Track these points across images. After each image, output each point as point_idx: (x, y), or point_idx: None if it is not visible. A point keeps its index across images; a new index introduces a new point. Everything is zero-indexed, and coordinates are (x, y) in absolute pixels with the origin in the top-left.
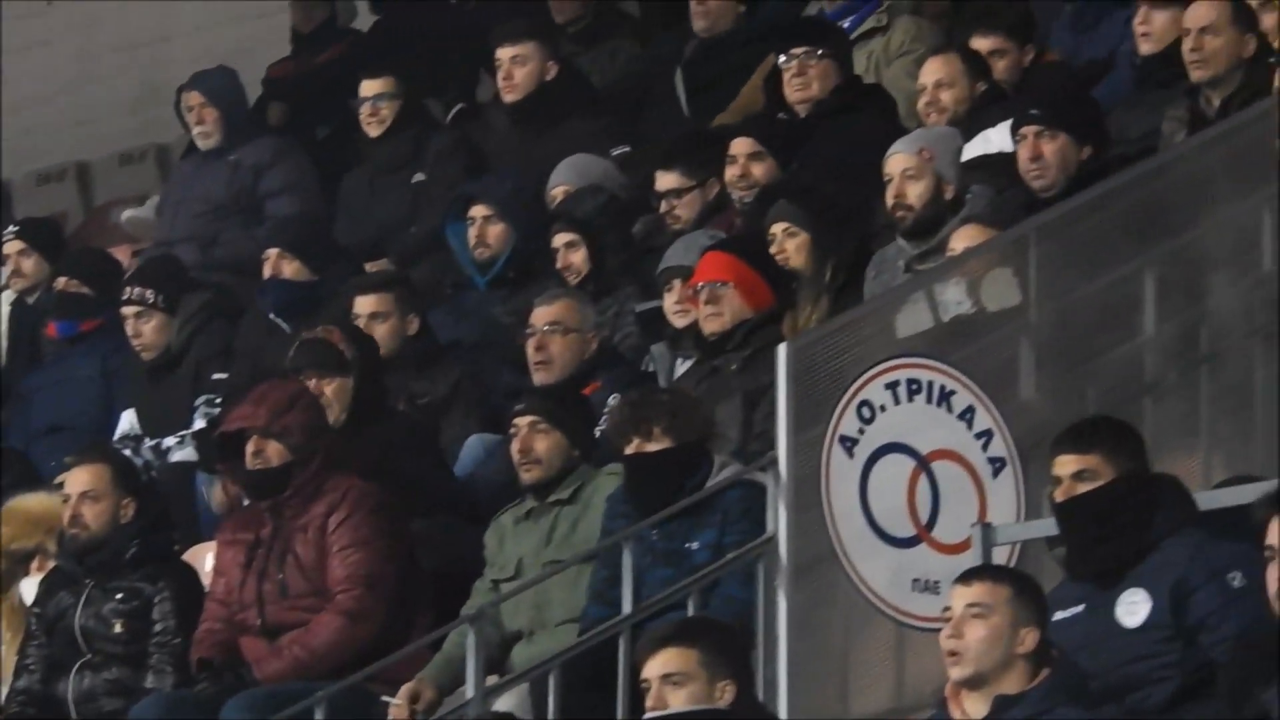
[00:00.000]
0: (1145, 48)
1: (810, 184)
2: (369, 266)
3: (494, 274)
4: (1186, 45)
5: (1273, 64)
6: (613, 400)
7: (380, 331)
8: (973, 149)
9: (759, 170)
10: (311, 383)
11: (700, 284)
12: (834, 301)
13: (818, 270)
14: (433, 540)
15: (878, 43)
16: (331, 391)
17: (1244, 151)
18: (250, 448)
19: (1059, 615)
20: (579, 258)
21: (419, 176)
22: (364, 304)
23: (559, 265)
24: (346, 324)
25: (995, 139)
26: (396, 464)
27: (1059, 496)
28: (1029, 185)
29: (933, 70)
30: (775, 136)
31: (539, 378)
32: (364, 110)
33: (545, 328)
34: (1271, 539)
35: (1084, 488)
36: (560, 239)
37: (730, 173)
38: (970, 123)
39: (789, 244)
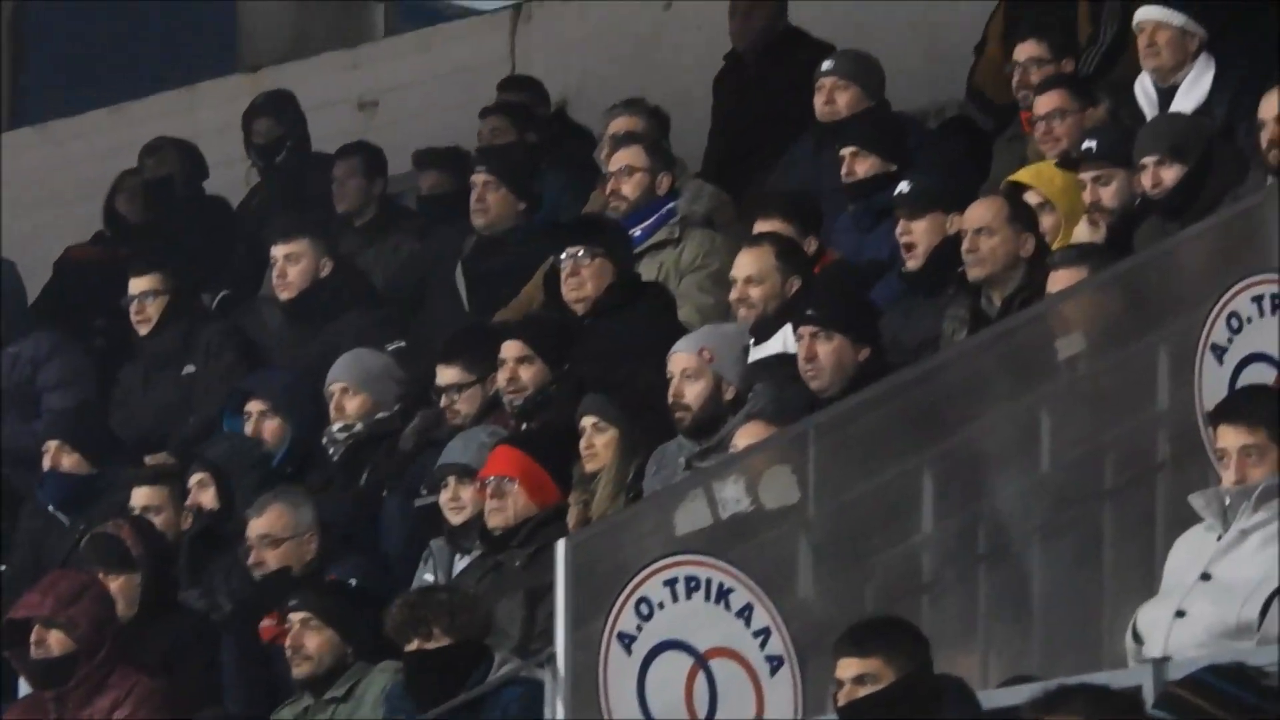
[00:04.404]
0: (911, 264)
1: (623, 379)
2: (148, 459)
3: (271, 468)
4: (964, 245)
5: (1048, 265)
6: (353, 582)
7: (158, 524)
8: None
9: (528, 374)
10: (99, 578)
11: (488, 478)
12: (629, 502)
13: (622, 466)
14: None
15: (669, 254)
16: (118, 587)
17: (1022, 350)
18: (33, 636)
19: None
20: (207, 497)
21: (189, 368)
22: (140, 496)
23: (188, 504)
24: (136, 519)
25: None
26: (182, 660)
27: (840, 700)
28: (807, 385)
29: (744, 265)
30: (548, 337)
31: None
32: (132, 308)
33: (258, 540)
34: None
35: (865, 691)
36: (193, 478)
37: (500, 376)
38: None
39: (598, 439)
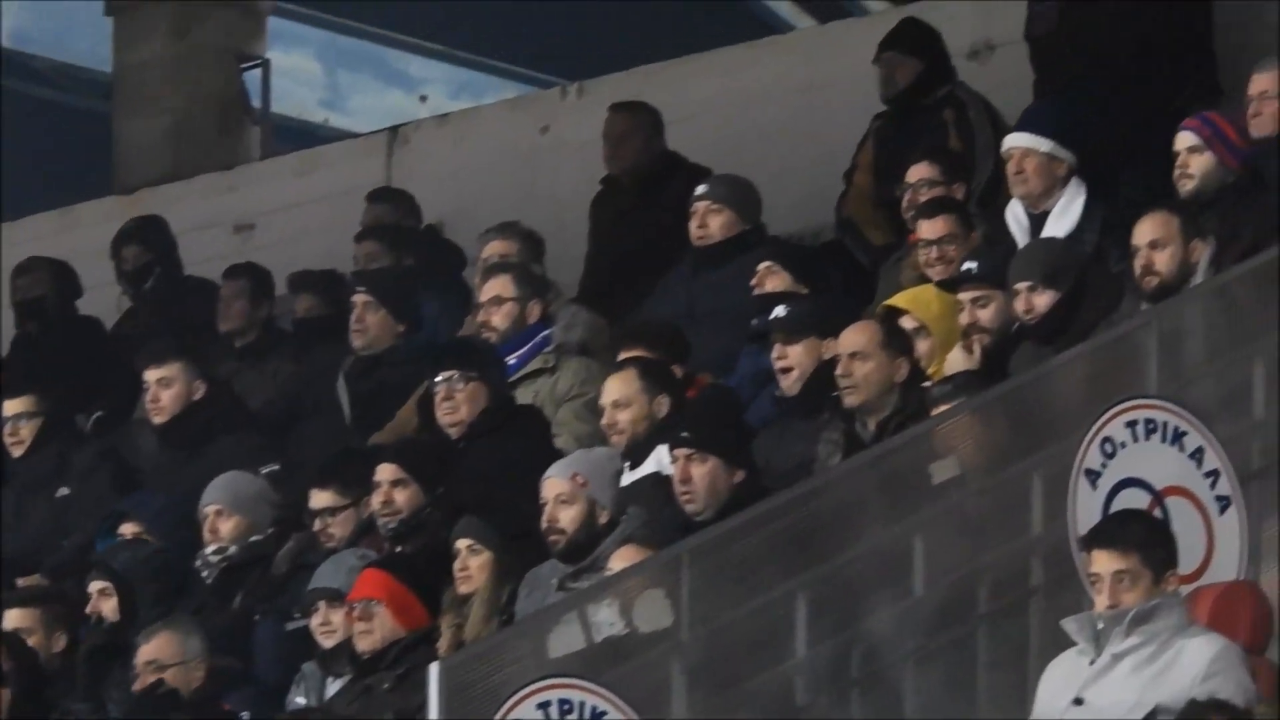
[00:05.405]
0: (787, 388)
1: (498, 502)
2: (21, 581)
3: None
4: (838, 369)
5: (925, 389)
6: (245, 716)
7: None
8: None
9: (402, 497)
10: None
11: (355, 601)
12: (503, 625)
13: (496, 589)
14: None
15: (544, 383)
16: None
17: (897, 475)
18: None
19: None
20: (109, 607)
21: (64, 490)
22: (12, 619)
23: (88, 610)
24: (8, 635)
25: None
26: None
27: None
28: (682, 508)
29: (610, 390)
30: (423, 460)
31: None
32: (5, 430)
33: (145, 665)
34: None
35: None
36: (94, 586)
37: (375, 499)
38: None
39: (472, 561)
